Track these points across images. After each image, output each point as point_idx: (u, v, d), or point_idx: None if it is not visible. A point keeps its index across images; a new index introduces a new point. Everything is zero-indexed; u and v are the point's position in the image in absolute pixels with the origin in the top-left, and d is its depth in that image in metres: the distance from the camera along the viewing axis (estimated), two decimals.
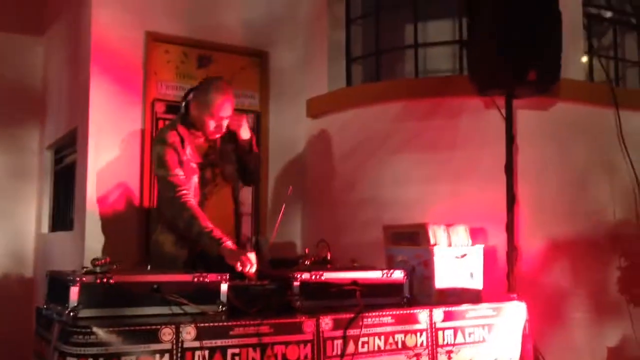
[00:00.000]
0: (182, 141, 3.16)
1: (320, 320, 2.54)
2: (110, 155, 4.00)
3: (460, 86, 3.74)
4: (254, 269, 2.85)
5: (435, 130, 3.98)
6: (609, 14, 4.59)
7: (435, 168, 3.93)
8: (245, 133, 3.30)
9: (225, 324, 2.34)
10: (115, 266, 2.44)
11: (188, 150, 3.17)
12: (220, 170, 3.28)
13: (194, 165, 3.18)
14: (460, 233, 3.21)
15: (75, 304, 2.24)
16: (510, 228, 3.47)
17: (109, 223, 3.96)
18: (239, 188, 3.42)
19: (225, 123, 3.21)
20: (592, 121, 4.07)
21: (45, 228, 5.36)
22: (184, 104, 3.27)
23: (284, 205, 3.69)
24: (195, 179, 3.17)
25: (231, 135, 3.32)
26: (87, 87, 3.99)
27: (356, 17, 4.59)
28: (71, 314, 2.23)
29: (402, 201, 3.94)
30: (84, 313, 2.25)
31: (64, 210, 4.95)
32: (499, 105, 3.59)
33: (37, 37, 5.58)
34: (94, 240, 3.92)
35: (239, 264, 2.81)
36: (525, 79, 3.36)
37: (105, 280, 2.30)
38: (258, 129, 4.50)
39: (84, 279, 2.27)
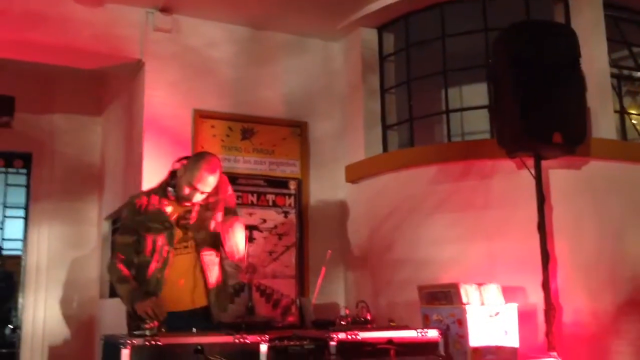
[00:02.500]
0: (148, 204, 3.15)
1: None
2: None
3: (491, 149, 3.83)
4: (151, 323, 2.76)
5: (468, 191, 4.08)
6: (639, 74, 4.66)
7: (470, 228, 4.01)
8: (237, 244, 3.07)
9: None
10: (163, 329, 2.64)
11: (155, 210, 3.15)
12: (192, 235, 3.15)
13: (159, 226, 3.11)
14: (493, 292, 3.27)
15: None
16: (546, 286, 3.50)
17: None
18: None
19: (199, 195, 3.10)
20: (627, 178, 4.11)
21: (104, 294, 5.60)
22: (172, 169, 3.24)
23: (323, 268, 3.85)
24: (158, 238, 3.10)
25: (208, 205, 3.19)
26: (141, 161, 4.32)
27: (390, 87, 4.80)
28: None
29: (438, 261, 4.03)
30: None
31: None
32: (528, 166, 3.67)
33: (96, 117, 5.99)
34: None
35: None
36: (551, 141, 3.43)
37: (153, 342, 2.49)
38: (299, 194, 4.71)
39: (135, 341, 2.47)
